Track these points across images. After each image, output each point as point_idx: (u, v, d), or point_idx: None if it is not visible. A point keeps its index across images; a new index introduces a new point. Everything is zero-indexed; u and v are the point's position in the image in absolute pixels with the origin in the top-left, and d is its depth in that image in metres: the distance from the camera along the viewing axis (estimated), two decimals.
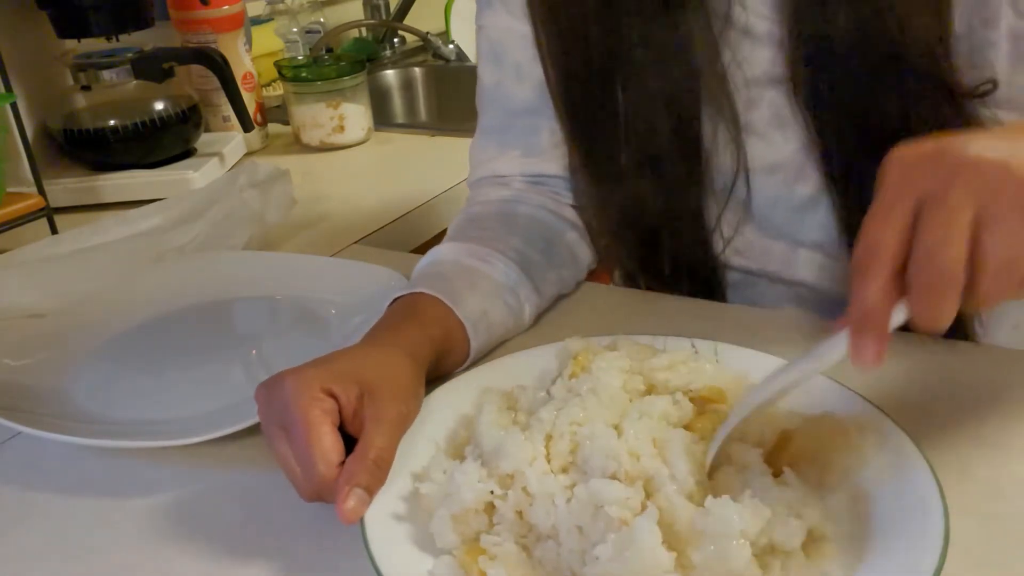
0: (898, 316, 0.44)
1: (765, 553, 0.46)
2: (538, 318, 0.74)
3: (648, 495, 0.48)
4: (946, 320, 0.43)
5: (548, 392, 0.58)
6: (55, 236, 0.99)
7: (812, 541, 0.46)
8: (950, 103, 0.63)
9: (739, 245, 0.77)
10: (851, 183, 0.69)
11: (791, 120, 0.69)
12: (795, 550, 0.46)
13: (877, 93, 0.65)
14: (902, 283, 0.44)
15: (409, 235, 1.09)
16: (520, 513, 0.49)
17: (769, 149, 0.72)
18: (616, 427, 0.51)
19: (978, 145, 0.43)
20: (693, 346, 0.64)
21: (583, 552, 0.46)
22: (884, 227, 0.44)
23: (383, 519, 0.50)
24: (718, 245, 0.77)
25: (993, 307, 0.47)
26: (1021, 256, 0.42)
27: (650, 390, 0.57)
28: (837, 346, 0.46)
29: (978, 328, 0.71)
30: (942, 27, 0.62)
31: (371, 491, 0.50)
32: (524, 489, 0.49)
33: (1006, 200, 0.42)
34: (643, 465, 0.49)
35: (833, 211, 0.71)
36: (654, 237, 0.77)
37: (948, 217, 0.42)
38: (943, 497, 0.47)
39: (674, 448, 0.50)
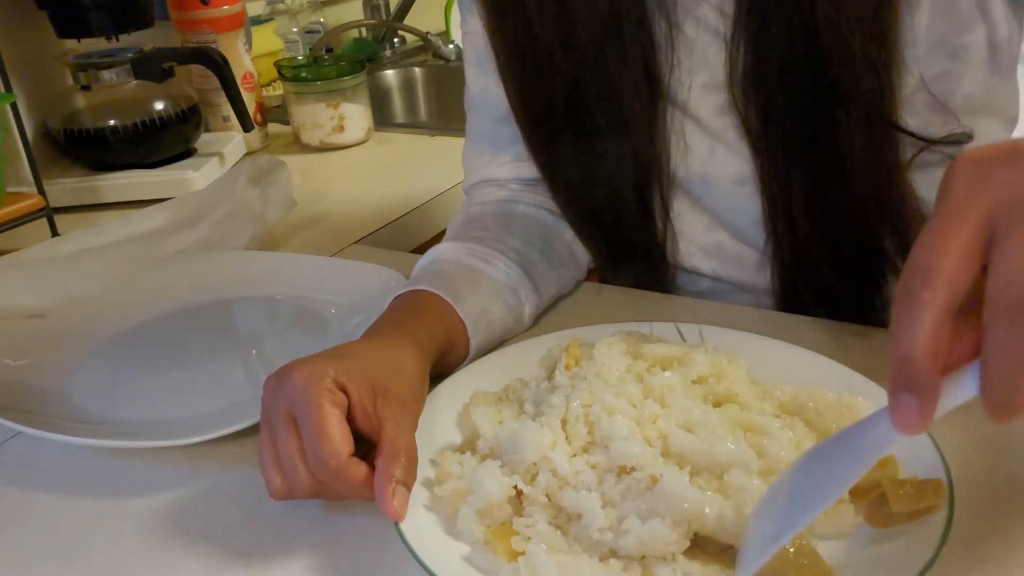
0: (964, 385, 0.33)
1: None
2: (537, 318, 0.74)
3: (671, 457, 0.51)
4: None
5: (550, 382, 0.59)
6: (56, 238, 0.99)
7: None
8: (886, 136, 0.64)
9: (708, 248, 0.77)
10: (781, 191, 0.69)
11: (738, 129, 0.70)
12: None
13: (810, 116, 0.65)
14: (969, 328, 0.33)
15: (409, 235, 1.09)
16: (549, 496, 0.50)
17: (711, 155, 0.73)
18: (630, 403, 0.54)
19: None
20: (678, 330, 0.66)
21: (616, 524, 0.47)
22: (941, 242, 0.33)
23: (412, 510, 0.50)
24: (671, 248, 0.78)
25: None
26: None
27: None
28: (879, 425, 0.36)
29: None
30: (887, 57, 0.62)
31: (408, 488, 0.50)
32: (553, 472, 0.50)
33: None
34: (659, 427, 0.52)
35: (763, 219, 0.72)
36: (610, 236, 0.79)
37: None
38: (943, 459, 0.49)
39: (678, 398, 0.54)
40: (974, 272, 0.33)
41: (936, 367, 0.33)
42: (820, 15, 0.60)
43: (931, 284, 0.33)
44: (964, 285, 0.33)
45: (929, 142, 0.64)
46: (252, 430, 0.59)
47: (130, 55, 1.18)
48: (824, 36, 0.61)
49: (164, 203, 0.99)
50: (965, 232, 0.33)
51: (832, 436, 0.41)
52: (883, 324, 0.71)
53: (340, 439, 0.50)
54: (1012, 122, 0.69)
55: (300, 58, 1.46)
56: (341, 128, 1.35)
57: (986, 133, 0.66)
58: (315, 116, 1.34)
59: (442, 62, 1.79)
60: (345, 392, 0.52)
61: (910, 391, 0.33)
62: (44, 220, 1.02)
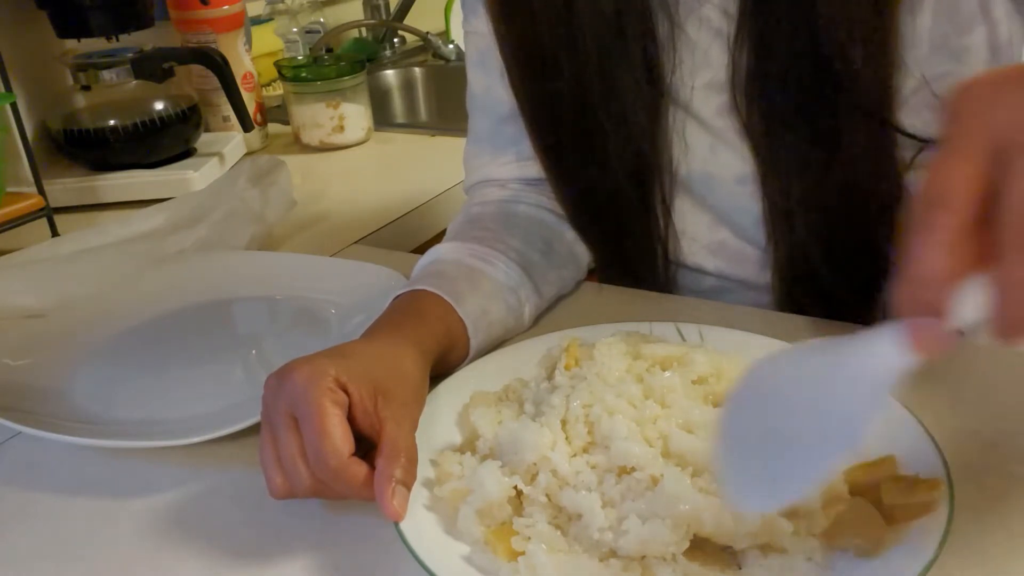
0: (972, 301, 0.33)
1: (789, 514, 0.47)
2: (537, 318, 0.74)
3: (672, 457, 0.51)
4: None
5: (550, 382, 0.59)
6: (56, 238, 0.99)
7: (829, 502, 0.48)
8: (887, 136, 0.63)
9: (711, 246, 0.77)
10: (780, 193, 0.69)
11: (740, 129, 0.70)
12: (816, 510, 0.47)
13: (811, 118, 0.64)
14: (983, 253, 0.33)
15: (409, 235, 1.09)
16: (549, 497, 0.50)
17: (712, 154, 0.72)
18: (630, 404, 0.54)
19: None
20: (678, 330, 0.66)
21: (616, 524, 0.47)
22: (952, 166, 0.34)
23: (412, 510, 0.50)
24: (674, 247, 0.78)
25: None
26: None
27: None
28: (882, 345, 0.35)
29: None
30: (887, 58, 0.61)
31: (408, 488, 0.50)
32: (553, 472, 0.50)
33: None
34: (659, 427, 0.52)
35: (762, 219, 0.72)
36: (612, 234, 0.79)
37: None
38: (943, 459, 0.49)
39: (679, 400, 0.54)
40: (983, 194, 0.33)
41: (949, 286, 0.34)
42: (821, 16, 0.60)
43: (945, 208, 0.33)
44: (975, 208, 0.33)
45: (929, 142, 0.64)
46: (252, 430, 0.59)
47: (130, 55, 1.18)
48: (825, 37, 0.61)
49: (164, 203, 0.99)
50: (975, 157, 0.33)
51: (809, 368, 0.39)
52: None
53: (341, 438, 0.50)
54: None
55: (300, 58, 1.46)
56: (341, 128, 1.35)
57: None
58: (315, 116, 1.34)
59: (442, 62, 1.79)
60: (346, 391, 0.52)
61: (930, 313, 0.34)
62: (44, 220, 1.02)
